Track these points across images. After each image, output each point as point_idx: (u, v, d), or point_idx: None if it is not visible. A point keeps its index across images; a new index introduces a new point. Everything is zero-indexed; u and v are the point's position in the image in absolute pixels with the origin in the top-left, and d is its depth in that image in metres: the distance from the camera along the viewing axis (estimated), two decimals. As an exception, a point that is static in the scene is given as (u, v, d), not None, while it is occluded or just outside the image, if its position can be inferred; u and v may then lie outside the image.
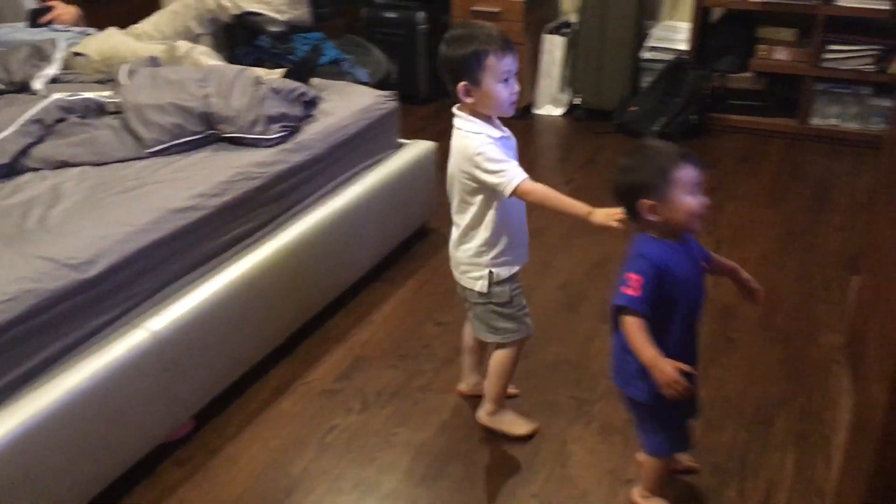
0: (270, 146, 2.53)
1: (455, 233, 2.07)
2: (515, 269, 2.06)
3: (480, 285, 2.04)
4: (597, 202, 1.86)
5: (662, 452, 1.90)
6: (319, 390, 2.43)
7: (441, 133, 4.37)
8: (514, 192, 1.89)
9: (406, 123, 3.30)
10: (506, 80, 1.92)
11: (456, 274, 2.11)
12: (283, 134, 2.57)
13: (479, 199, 1.98)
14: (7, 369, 1.79)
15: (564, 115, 4.60)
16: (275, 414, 2.34)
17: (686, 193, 1.68)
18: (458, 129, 1.98)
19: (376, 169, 2.94)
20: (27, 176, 2.33)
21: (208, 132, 2.53)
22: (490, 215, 1.98)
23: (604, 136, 4.28)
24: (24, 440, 1.74)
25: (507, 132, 2.02)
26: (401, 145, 3.15)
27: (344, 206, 2.71)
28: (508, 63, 1.91)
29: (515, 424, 2.24)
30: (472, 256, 2.03)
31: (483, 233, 2.00)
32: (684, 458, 2.07)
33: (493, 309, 2.07)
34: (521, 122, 4.51)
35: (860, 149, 4.03)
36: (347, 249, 2.74)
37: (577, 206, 1.87)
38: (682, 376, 1.67)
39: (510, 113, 1.98)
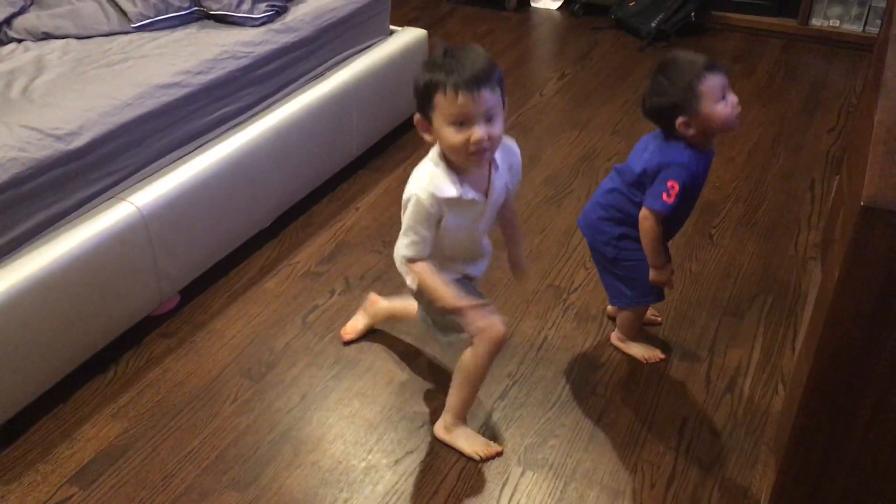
0: (257, 26, 2.50)
1: None
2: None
3: (410, 280, 1.78)
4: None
5: (633, 304, 2.07)
6: (303, 272, 2.48)
7: (434, 23, 4.32)
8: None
9: (399, 12, 3.24)
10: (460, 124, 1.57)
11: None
12: (269, 13, 2.53)
13: None
14: (-7, 236, 1.82)
15: (561, 8, 4.52)
16: (259, 293, 2.39)
17: (716, 102, 1.79)
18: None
19: (366, 55, 2.91)
20: (10, 46, 2.31)
21: (193, 8, 2.49)
22: None
23: (601, 32, 4.22)
24: (13, 305, 1.78)
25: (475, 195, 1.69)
26: (392, 32, 3.11)
27: (332, 91, 2.69)
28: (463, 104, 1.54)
29: (469, 441, 1.89)
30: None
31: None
32: (649, 311, 2.23)
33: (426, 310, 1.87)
34: (517, 14, 4.43)
35: (858, 52, 3.98)
36: (334, 135, 2.74)
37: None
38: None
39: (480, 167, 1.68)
